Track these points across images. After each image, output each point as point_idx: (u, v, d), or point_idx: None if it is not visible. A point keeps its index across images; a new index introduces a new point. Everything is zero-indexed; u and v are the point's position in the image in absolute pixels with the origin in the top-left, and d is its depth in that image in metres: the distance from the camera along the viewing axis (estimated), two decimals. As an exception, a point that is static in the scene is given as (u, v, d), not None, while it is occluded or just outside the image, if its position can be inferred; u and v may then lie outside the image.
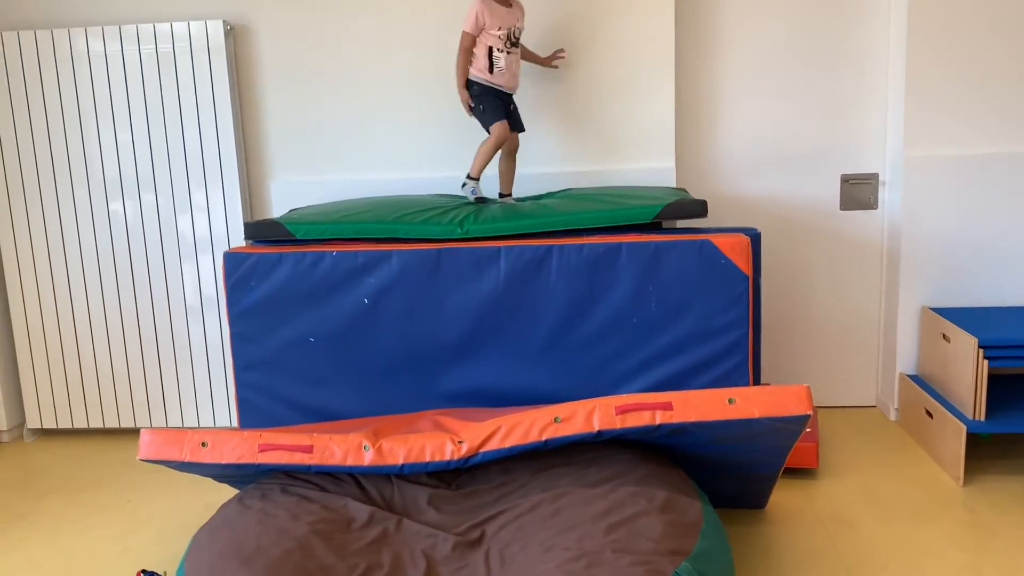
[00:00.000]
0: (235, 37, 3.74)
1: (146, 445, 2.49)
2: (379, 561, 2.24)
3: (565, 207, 3.22)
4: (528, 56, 3.45)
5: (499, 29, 3.21)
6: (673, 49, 3.61)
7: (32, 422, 3.98)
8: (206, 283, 3.81)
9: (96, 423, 3.95)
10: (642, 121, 3.67)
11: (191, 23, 3.62)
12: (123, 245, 3.81)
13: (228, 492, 3.14)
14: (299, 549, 2.22)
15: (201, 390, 3.87)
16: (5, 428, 3.97)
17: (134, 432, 3.98)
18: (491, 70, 3.25)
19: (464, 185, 3.35)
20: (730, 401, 2.29)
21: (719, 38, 3.74)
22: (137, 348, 3.87)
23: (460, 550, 2.30)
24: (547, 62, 3.48)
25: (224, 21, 3.64)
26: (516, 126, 3.38)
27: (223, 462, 2.44)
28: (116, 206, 3.78)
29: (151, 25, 3.64)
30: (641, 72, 3.63)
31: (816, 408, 3.72)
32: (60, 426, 3.97)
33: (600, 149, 3.73)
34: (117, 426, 3.94)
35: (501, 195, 3.48)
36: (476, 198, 3.33)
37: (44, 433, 4.08)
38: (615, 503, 2.28)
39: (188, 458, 2.44)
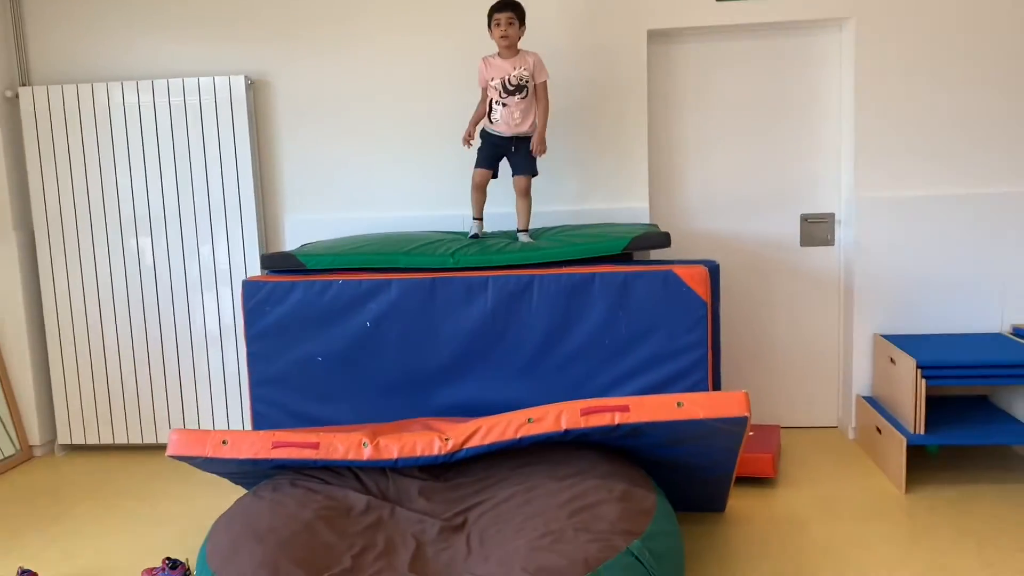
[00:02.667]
0: (255, 90, 4.18)
1: (174, 443, 2.85)
2: (374, 542, 2.58)
3: (547, 242, 3.60)
4: (539, 114, 3.61)
5: (494, 80, 3.60)
6: (646, 101, 4.03)
7: (63, 438, 4.35)
8: (225, 310, 4.20)
9: (121, 439, 4.31)
10: (620, 166, 4.08)
11: (216, 78, 4.08)
12: (150, 276, 4.21)
13: (241, 493, 3.49)
14: (305, 531, 2.57)
15: (218, 407, 4.24)
16: (38, 443, 4.34)
17: (156, 447, 4.35)
18: (490, 119, 3.65)
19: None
20: (679, 404, 2.65)
21: (688, 91, 4.16)
22: (160, 370, 4.26)
23: (445, 534, 2.65)
24: (537, 138, 3.61)
25: (246, 76, 4.09)
26: (517, 170, 3.66)
27: (240, 457, 2.80)
28: (145, 241, 4.20)
29: (180, 80, 4.10)
30: (619, 122, 4.05)
31: (779, 426, 4.06)
32: (88, 442, 4.33)
33: (585, 191, 4.13)
34: (140, 442, 4.31)
35: (518, 231, 3.76)
36: (472, 235, 3.71)
37: (73, 448, 4.44)
38: (579, 493, 2.63)
39: (210, 454, 2.81)
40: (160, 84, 4.10)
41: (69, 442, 4.36)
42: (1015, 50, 3.81)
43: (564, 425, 2.69)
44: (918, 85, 3.88)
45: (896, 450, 3.51)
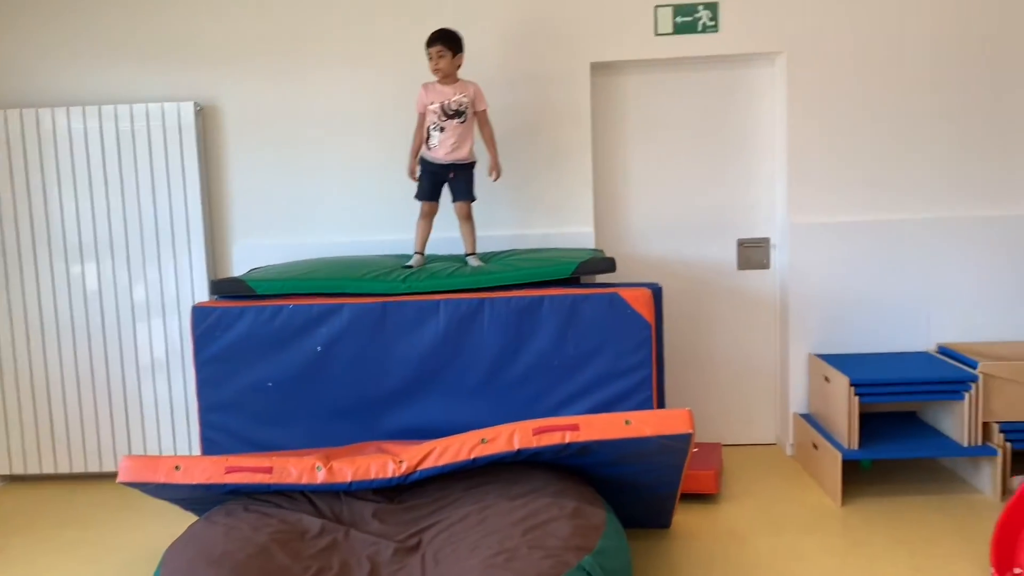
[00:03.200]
0: (204, 116, 4.20)
1: (125, 470, 2.84)
2: (329, 564, 2.61)
3: (497, 267, 3.68)
4: (487, 141, 3.77)
5: (433, 104, 3.67)
6: (590, 131, 4.17)
7: (2, 468, 4.25)
8: (172, 337, 4.17)
9: (64, 468, 4.24)
10: (566, 193, 4.21)
11: (165, 104, 4.08)
12: (95, 303, 4.16)
13: (192, 520, 3.46)
14: (260, 554, 2.59)
15: (165, 435, 4.20)
16: (-24, 474, 4.25)
17: (99, 476, 4.27)
18: (428, 145, 3.73)
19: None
20: (627, 423, 2.74)
21: (631, 121, 4.31)
22: (106, 398, 4.20)
23: (400, 555, 2.68)
24: (492, 163, 3.78)
25: (195, 103, 4.11)
26: (457, 196, 3.77)
27: (194, 483, 2.80)
28: (90, 267, 4.15)
29: (128, 106, 4.09)
30: (565, 150, 4.18)
31: (721, 444, 4.19)
32: (29, 471, 4.24)
33: (534, 216, 4.24)
34: (84, 471, 4.24)
35: (466, 255, 3.84)
36: (403, 265, 3.73)
37: (12, 479, 4.34)
38: (532, 511, 2.70)
39: (163, 480, 2.80)
40: (108, 110, 4.09)
41: (8, 472, 4.26)
42: (940, 83, 4.05)
43: (517, 445, 2.77)
44: (847, 116, 4.09)
45: (832, 465, 3.66)
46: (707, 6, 4.06)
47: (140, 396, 4.20)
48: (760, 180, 4.32)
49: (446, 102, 3.66)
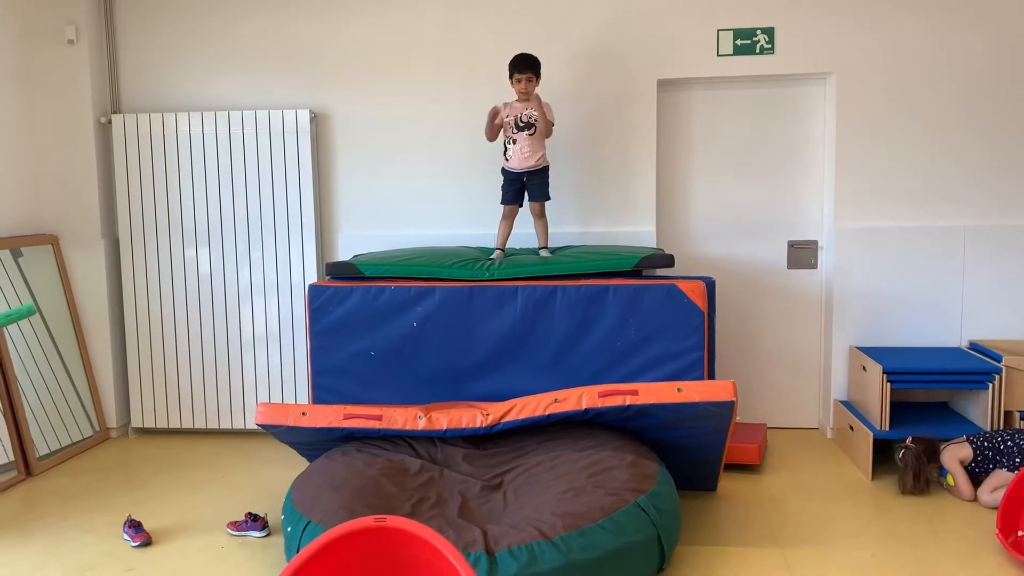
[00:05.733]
0: (317, 122, 4.82)
1: (261, 414, 3.45)
2: (428, 495, 3.17)
3: (569, 258, 4.20)
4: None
5: (508, 117, 4.24)
6: (655, 140, 4.66)
7: (136, 422, 4.94)
8: (284, 313, 4.80)
9: (187, 424, 4.91)
10: (632, 195, 4.71)
11: (284, 112, 4.72)
12: (220, 282, 4.82)
13: (303, 468, 4.06)
14: (372, 484, 3.16)
15: (274, 399, 4.83)
16: (115, 425, 4.94)
17: (218, 432, 4.93)
18: (505, 156, 4.30)
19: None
20: (679, 390, 3.24)
21: (693, 132, 4.79)
22: (225, 364, 4.85)
23: (486, 491, 3.23)
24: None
25: (310, 110, 4.73)
26: (532, 197, 4.34)
27: (316, 426, 3.39)
28: (216, 251, 4.81)
29: (253, 112, 4.74)
30: (632, 158, 4.68)
31: (766, 425, 4.64)
32: (158, 426, 4.93)
33: (601, 215, 4.75)
34: (204, 427, 4.90)
35: (539, 248, 4.42)
36: (487, 259, 4.28)
37: (144, 431, 5.03)
38: (595, 460, 3.22)
39: (291, 423, 3.40)
40: (236, 115, 4.74)
41: (141, 425, 4.95)
42: (977, 102, 4.44)
43: (584, 404, 3.29)
44: (890, 132, 4.50)
45: (864, 443, 4.09)
46: (764, 30, 4.52)
47: (255, 363, 4.84)
48: (810, 188, 4.75)
49: (519, 115, 4.22)
